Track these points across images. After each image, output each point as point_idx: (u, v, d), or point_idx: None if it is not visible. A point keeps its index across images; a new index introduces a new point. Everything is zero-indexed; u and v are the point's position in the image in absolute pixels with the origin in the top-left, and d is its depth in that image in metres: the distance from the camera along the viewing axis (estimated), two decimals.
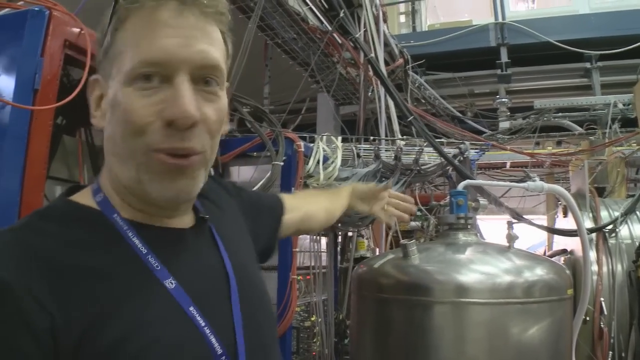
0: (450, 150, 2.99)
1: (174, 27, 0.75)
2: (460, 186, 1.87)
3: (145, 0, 0.75)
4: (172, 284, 0.76)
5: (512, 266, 1.57)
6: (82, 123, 2.23)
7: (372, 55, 2.80)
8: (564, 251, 3.11)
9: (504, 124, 4.90)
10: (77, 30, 1.59)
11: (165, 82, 0.74)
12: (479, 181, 2.18)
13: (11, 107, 1.43)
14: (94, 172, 2.39)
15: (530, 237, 5.32)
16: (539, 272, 1.57)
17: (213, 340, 0.76)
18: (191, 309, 0.76)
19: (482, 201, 1.92)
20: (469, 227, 1.77)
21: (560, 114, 4.69)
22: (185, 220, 0.88)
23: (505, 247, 1.66)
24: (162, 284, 0.76)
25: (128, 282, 0.74)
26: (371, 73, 3.32)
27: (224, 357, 0.77)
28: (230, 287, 0.85)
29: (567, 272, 1.68)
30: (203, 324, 0.76)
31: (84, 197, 0.82)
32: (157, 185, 0.77)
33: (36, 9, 1.52)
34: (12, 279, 0.65)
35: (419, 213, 3.57)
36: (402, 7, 7.08)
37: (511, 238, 1.66)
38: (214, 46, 0.79)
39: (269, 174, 2.22)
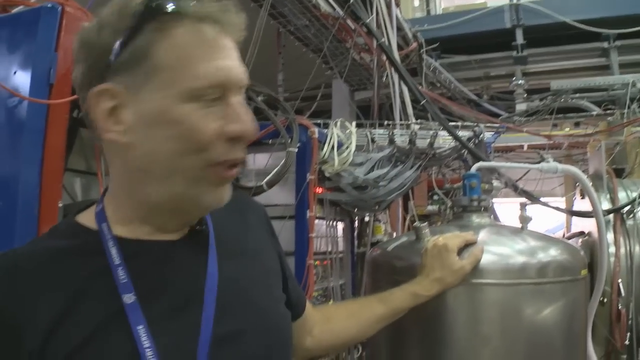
0: (465, 134, 2.98)
1: (223, 48, 0.78)
2: (473, 169, 1.86)
3: (187, 15, 0.75)
4: (130, 298, 0.75)
5: (526, 247, 1.57)
6: None
7: (384, 40, 2.79)
8: (581, 233, 3.08)
9: (521, 106, 4.83)
10: None
11: (218, 100, 0.77)
12: (491, 163, 2.17)
13: (28, 102, 1.46)
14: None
15: (549, 220, 5.28)
16: (552, 253, 1.56)
17: None
18: (140, 327, 0.74)
19: (496, 183, 1.92)
20: (482, 209, 1.77)
21: (577, 94, 4.61)
22: (181, 231, 0.87)
23: (519, 229, 1.66)
24: (120, 298, 0.75)
25: (91, 293, 0.75)
26: (384, 58, 3.31)
27: None
28: (205, 303, 0.81)
29: (582, 253, 1.68)
30: (147, 345, 0.73)
31: (89, 215, 0.85)
32: (209, 197, 0.80)
33: (49, 5, 1.55)
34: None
35: (435, 197, 3.57)
36: None
37: (524, 220, 1.66)
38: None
39: (283, 161, 2.24)
